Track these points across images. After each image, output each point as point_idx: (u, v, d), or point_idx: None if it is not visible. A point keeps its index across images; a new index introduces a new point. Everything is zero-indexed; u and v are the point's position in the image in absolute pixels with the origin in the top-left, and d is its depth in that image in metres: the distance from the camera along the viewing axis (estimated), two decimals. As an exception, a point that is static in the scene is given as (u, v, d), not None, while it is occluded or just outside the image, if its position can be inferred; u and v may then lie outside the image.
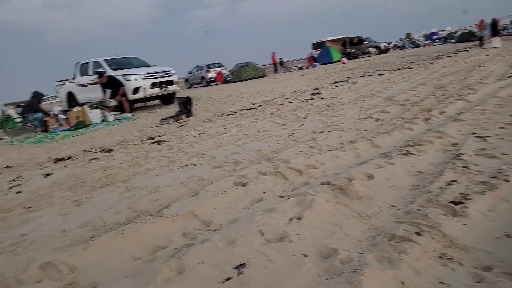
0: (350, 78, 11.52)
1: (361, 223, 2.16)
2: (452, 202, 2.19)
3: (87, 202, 3.16)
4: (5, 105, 10.69)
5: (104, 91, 10.23)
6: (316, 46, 30.30)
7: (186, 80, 27.66)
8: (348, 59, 25.52)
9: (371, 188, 2.56)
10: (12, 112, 9.61)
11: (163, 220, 2.47)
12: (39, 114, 9.24)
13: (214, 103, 10.11)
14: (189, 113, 7.96)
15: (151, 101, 12.18)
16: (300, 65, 27.37)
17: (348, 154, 3.48)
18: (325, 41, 29.74)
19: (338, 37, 29.96)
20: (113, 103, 9.92)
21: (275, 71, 27.35)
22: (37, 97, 9.93)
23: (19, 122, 9.26)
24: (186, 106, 8.00)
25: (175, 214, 2.54)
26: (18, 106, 10.98)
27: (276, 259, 1.90)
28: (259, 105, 8.18)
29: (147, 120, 8.52)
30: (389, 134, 3.88)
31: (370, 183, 2.63)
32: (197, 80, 26.83)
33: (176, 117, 7.67)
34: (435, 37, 34.93)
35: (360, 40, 29.63)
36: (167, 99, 12.09)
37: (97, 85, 10.44)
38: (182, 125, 6.94)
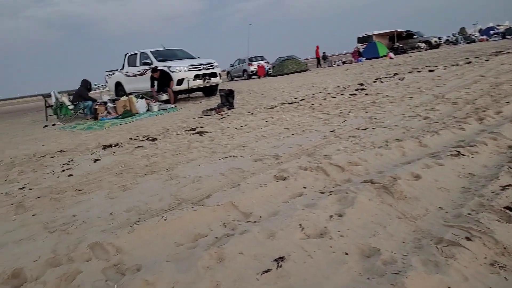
0: (397, 73, 11.12)
1: (406, 224, 2.09)
2: (507, 207, 2.06)
3: (133, 187, 3.30)
4: (59, 92, 11.29)
5: (153, 85, 10.55)
6: (361, 40, 29.52)
7: (228, 73, 28.00)
8: (396, 54, 24.64)
9: (417, 188, 2.47)
10: (65, 99, 10.17)
11: (204, 209, 2.53)
12: (90, 102, 9.73)
13: (256, 96, 10.15)
14: (230, 106, 8.05)
15: (194, 93, 12.43)
16: (344, 60, 26.80)
17: (393, 152, 3.38)
18: (372, 35, 28.90)
19: (386, 31, 29.00)
20: (164, 97, 10.20)
21: (318, 65, 26.95)
22: (86, 85, 10.39)
23: (71, 109, 9.79)
24: (228, 98, 8.09)
25: (216, 204, 2.58)
26: (70, 94, 11.56)
27: (315, 255, 1.89)
28: (301, 100, 8.11)
29: (189, 111, 8.72)
30: (438, 134, 3.71)
31: (416, 184, 2.54)
32: (238, 73, 27.06)
33: (218, 109, 7.78)
34: (492, 32, 32.82)
35: (410, 35, 28.48)
36: (209, 91, 12.31)
37: (143, 76, 10.83)
38: (224, 117, 7.03)
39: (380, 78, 10.38)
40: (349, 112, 5.73)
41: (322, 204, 2.40)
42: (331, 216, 2.25)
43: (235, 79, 27.78)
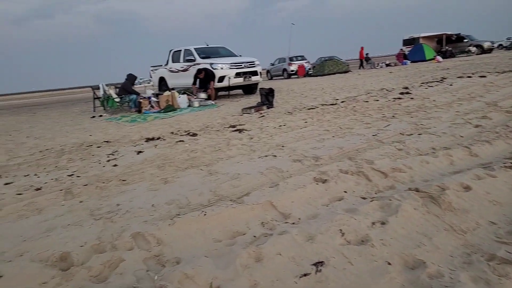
0: (445, 78, 10.64)
1: (454, 237, 1.99)
2: None
3: (173, 181, 3.37)
4: (107, 85, 11.74)
5: (195, 83, 10.70)
6: (407, 42, 28.51)
7: (268, 71, 27.99)
8: (444, 57, 23.58)
9: (467, 200, 2.35)
10: (112, 92, 10.59)
11: (243, 207, 2.53)
12: (135, 96, 10.06)
13: (295, 96, 10.08)
14: (270, 105, 8.04)
15: (234, 90, 12.54)
16: (387, 62, 26.03)
17: (440, 160, 3.23)
18: (418, 38, 27.83)
19: (433, 33, 27.81)
20: (202, 95, 10.29)
21: (361, 66, 26.33)
22: (131, 79, 10.72)
23: (117, 102, 10.18)
24: (268, 97, 8.09)
25: (255, 203, 2.58)
26: (117, 87, 12.00)
27: (356, 262, 1.84)
28: (342, 101, 7.95)
29: (229, 109, 8.80)
30: (490, 143, 3.51)
31: (466, 195, 2.40)
32: (278, 72, 27.00)
33: (258, 107, 7.80)
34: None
35: (460, 38, 27.14)
36: (249, 89, 12.37)
37: (186, 72, 11.06)
38: (263, 116, 7.04)
39: (427, 82, 9.98)
40: (393, 116, 5.55)
41: (363, 210, 2.33)
42: (373, 223, 2.18)
43: (274, 78, 27.74)
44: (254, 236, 2.19)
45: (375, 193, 2.71)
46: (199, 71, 10.44)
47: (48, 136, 7.02)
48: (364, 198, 2.62)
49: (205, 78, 10.51)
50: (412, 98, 7.29)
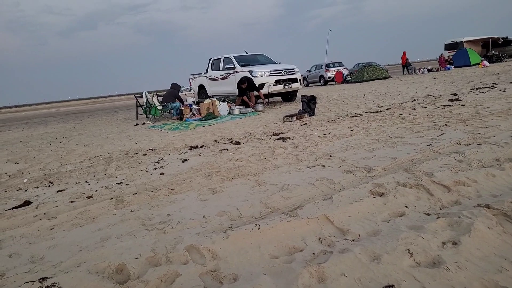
0: (496, 84, 10.02)
1: (543, 263, 1.76)
2: None
3: (222, 191, 3.30)
4: (149, 93, 11.99)
5: (241, 94, 10.66)
6: (449, 46, 27.35)
7: (304, 78, 27.74)
8: (490, 62, 22.37)
9: (550, 220, 2.10)
10: (155, 100, 10.81)
11: (298, 221, 2.42)
12: (177, 104, 10.23)
13: (336, 103, 9.85)
14: (312, 112, 7.89)
15: (273, 97, 12.47)
16: (429, 67, 25.03)
17: (508, 174, 2.96)
18: (461, 42, 26.64)
19: (478, 37, 26.52)
20: (260, 107, 10.03)
21: (405, 72, 25.44)
22: (176, 88, 10.98)
23: (160, 110, 10.38)
24: (309, 104, 7.94)
25: (310, 217, 2.46)
26: (159, 95, 12.26)
27: (431, 287, 1.66)
28: (387, 109, 7.66)
29: (270, 116, 8.72)
30: None
31: (548, 214, 2.16)
32: (315, 78, 26.75)
33: (299, 115, 7.67)
34: None
35: (507, 41, 25.70)
36: (288, 96, 12.26)
37: (226, 80, 11.12)
38: (305, 124, 6.89)
39: (477, 88, 9.43)
40: (445, 124, 5.24)
41: (431, 228, 2.15)
42: (444, 243, 1.99)
43: (311, 84, 27.47)
44: (313, 254, 2.06)
45: (440, 209, 2.51)
46: (242, 80, 10.44)
47: (96, 143, 7.23)
48: (428, 214, 2.43)
49: (247, 87, 10.49)
50: (463, 105, 6.89)
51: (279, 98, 12.85)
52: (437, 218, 2.31)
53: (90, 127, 10.99)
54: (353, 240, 2.19)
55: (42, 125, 14.18)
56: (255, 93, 10.61)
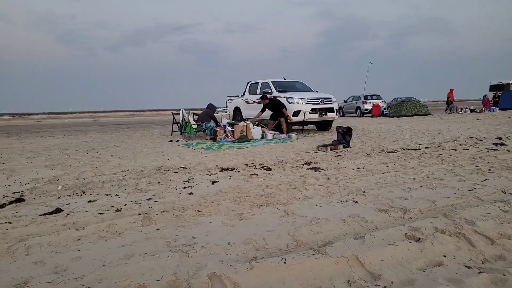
0: (546, 130, 9.48)
1: None
2: None
3: (249, 217, 3.24)
4: (186, 111, 12.27)
5: (263, 111, 10.80)
6: (495, 88, 26.45)
7: (340, 108, 27.53)
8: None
9: None
10: (191, 118, 11.03)
11: (326, 259, 2.30)
12: (212, 124, 10.37)
13: (373, 137, 9.64)
14: (347, 144, 7.74)
15: (307, 126, 12.39)
16: (472, 107, 24.16)
17: (562, 231, 2.71)
18: (509, 84, 25.70)
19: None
20: (294, 136, 9.92)
21: (449, 110, 24.58)
22: (212, 108, 11.19)
23: (194, 129, 10.56)
24: (345, 136, 7.80)
25: (340, 256, 2.34)
26: (195, 114, 12.51)
27: None
28: (426, 147, 7.38)
29: (303, 144, 8.64)
30: None
31: None
32: (351, 109, 26.47)
33: (334, 146, 7.54)
34: None
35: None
36: (323, 125, 12.14)
37: (258, 103, 11.21)
38: (339, 155, 6.75)
39: (524, 133, 8.96)
40: (489, 169, 4.96)
41: (471, 284, 1.99)
42: (487, 303, 1.82)
43: (347, 115, 27.18)
44: (341, 297, 1.94)
45: (482, 263, 2.32)
46: (263, 96, 10.49)
47: (130, 156, 7.41)
48: (469, 267, 2.25)
49: (271, 107, 10.49)
50: (508, 151, 6.53)
51: (313, 127, 12.76)
52: (479, 272, 2.13)
53: (126, 140, 11.32)
54: (384, 287, 2.05)
55: (82, 134, 14.78)
56: (289, 118, 10.59)
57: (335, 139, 8.06)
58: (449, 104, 24.76)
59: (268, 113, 10.84)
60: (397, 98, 28.89)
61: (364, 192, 4.03)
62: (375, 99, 25.54)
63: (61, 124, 29.12)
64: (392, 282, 2.09)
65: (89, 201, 3.98)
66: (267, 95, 10.80)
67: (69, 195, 4.29)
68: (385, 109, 23.93)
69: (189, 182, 4.82)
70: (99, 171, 5.79)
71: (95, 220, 3.29)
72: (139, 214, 3.42)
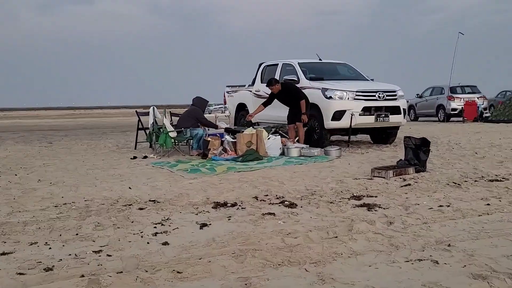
0: None
1: None
2: None
3: (260, 285, 3.26)
4: (159, 109, 12.04)
5: (269, 103, 10.88)
6: None
7: (411, 107, 27.57)
8: None
9: None
10: (166, 122, 10.91)
11: None
12: (200, 131, 10.43)
13: (464, 155, 9.66)
14: (421, 166, 7.77)
15: (357, 135, 12.40)
16: None
17: None
18: None
19: None
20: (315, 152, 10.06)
21: None
22: (200, 105, 11.10)
23: (172, 138, 10.58)
24: (418, 153, 7.84)
25: None
26: (173, 115, 12.42)
27: None
28: (553, 173, 7.37)
29: (349, 166, 8.69)
30: None
31: None
32: (429, 110, 26.53)
33: (400, 168, 7.58)
34: None
35: None
36: (383, 135, 12.10)
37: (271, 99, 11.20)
38: (409, 185, 6.80)
39: None
40: None
41: None
42: None
43: (421, 118, 27.21)
44: None
45: None
46: (270, 81, 10.55)
47: (69, 182, 7.52)
48: None
49: (284, 96, 10.53)
50: None
51: (367, 137, 12.79)
52: None
53: (62, 155, 11.49)
54: None
55: (-9, 144, 15.02)
56: (327, 124, 10.63)
57: (402, 158, 8.09)
58: None
59: (281, 110, 10.84)
60: (505, 92, 28.87)
61: (449, 245, 4.06)
62: (469, 93, 25.55)
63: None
64: None
65: (3, 254, 4.03)
66: (275, 79, 10.78)
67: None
68: (485, 109, 23.97)
69: (162, 225, 4.88)
70: (19, 205, 5.89)
71: (11, 286, 3.33)
72: (82, 276, 3.46)
